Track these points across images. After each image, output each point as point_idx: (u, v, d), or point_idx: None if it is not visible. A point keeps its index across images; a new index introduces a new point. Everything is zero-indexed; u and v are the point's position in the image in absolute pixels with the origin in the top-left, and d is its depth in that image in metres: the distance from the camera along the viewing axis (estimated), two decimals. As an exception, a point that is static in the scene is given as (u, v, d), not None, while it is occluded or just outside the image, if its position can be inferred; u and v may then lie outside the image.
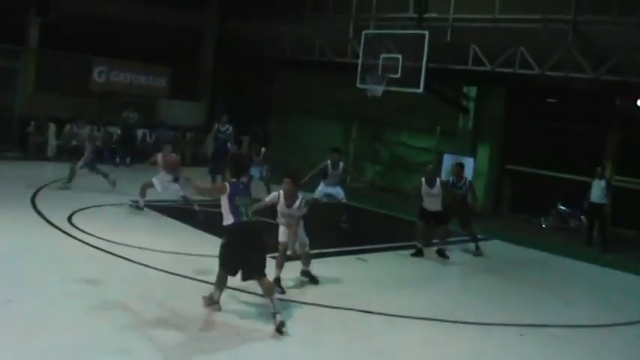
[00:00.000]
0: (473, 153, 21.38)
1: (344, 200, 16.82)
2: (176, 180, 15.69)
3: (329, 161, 16.63)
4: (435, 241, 14.99)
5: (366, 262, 13.55)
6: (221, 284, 9.44)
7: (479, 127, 21.69)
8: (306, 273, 11.44)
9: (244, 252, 9.11)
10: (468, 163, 20.68)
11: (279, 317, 8.90)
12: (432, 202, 14.62)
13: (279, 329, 8.78)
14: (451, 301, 11.61)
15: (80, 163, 17.62)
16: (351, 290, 11.31)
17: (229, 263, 9.20)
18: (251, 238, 9.18)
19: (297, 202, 10.78)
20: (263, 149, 19.49)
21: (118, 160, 23.52)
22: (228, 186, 9.19)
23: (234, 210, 9.07)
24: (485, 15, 20.35)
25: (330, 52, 23.95)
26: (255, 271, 9.13)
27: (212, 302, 9.44)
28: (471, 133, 21.61)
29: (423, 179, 14.71)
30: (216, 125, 21.67)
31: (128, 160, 23.71)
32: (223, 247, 9.25)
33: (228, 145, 21.07)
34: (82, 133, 23.38)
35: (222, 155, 19.22)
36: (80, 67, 25.69)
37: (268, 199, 11.06)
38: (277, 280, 10.52)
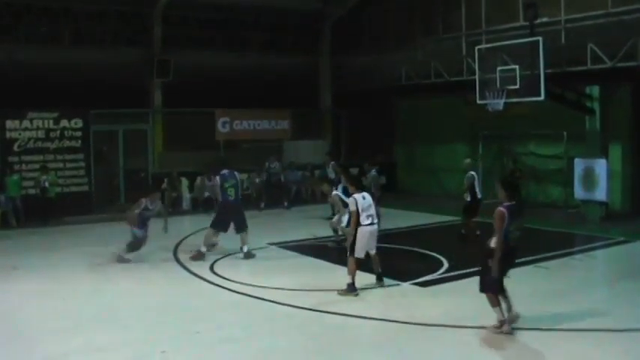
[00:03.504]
0: (604, 154, 20.74)
1: None
2: None
3: None
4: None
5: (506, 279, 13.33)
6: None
7: (607, 127, 20.93)
8: None
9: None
10: (600, 164, 20.18)
11: None
12: None
13: None
14: (598, 310, 11.22)
15: None
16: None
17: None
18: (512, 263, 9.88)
19: None
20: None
21: (262, 204, 24.25)
22: (505, 212, 9.44)
23: (506, 235, 9.41)
24: (598, 11, 19.92)
25: (445, 72, 23.94)
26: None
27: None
28: (600, 135, 20.91)
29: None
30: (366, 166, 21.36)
31: (286, 204, 24.77)
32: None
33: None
34: (212, 184, 24.17)
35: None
36: (204, 121, 26.77)
37: None
38: None
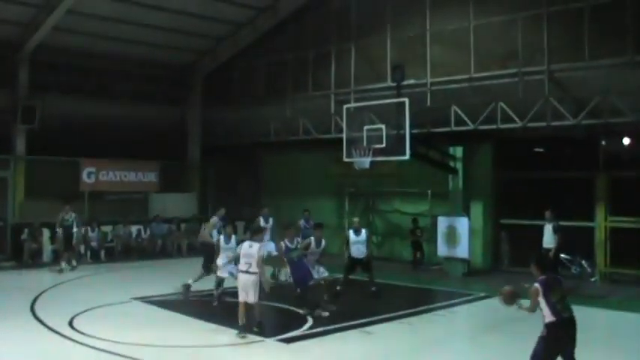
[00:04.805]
0: (466, 213, 21.40)
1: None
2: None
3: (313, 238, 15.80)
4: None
5: (369, 335, 13.41)
6: None
7: (469, 186, 21.74)
8: None
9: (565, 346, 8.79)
10: (462, 223, 20.79)
11: None
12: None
13: None
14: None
15: None
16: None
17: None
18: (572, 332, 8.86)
19: None
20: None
21: (63, 264, 21.34)
22: (539, 286, 8.82)
23: (552, 306, 8.73)
24: (461, 76, 20.69)
25: (313, 129, 24.17)
26: None
27: None
28: (462, 193, 21.63)
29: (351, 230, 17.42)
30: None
31: (74, 262, 21.73)
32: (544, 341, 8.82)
33: None
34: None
35: None
36: (69, 170, 25.92)
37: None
38: None
